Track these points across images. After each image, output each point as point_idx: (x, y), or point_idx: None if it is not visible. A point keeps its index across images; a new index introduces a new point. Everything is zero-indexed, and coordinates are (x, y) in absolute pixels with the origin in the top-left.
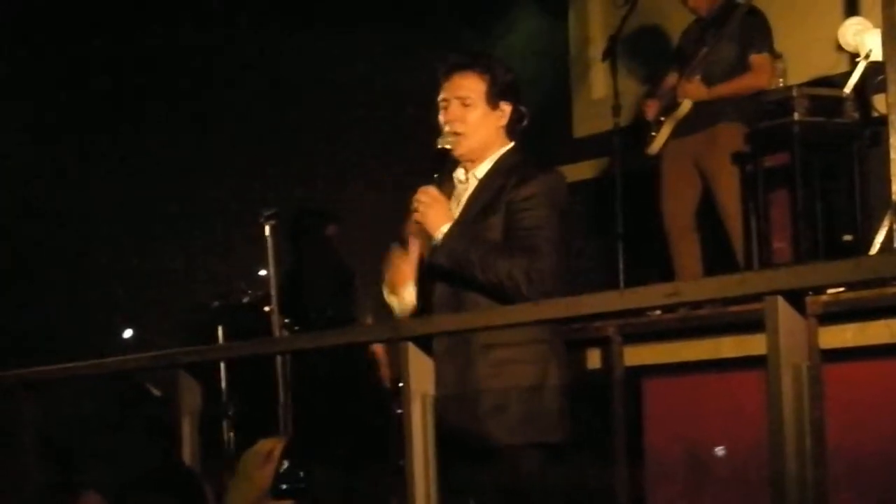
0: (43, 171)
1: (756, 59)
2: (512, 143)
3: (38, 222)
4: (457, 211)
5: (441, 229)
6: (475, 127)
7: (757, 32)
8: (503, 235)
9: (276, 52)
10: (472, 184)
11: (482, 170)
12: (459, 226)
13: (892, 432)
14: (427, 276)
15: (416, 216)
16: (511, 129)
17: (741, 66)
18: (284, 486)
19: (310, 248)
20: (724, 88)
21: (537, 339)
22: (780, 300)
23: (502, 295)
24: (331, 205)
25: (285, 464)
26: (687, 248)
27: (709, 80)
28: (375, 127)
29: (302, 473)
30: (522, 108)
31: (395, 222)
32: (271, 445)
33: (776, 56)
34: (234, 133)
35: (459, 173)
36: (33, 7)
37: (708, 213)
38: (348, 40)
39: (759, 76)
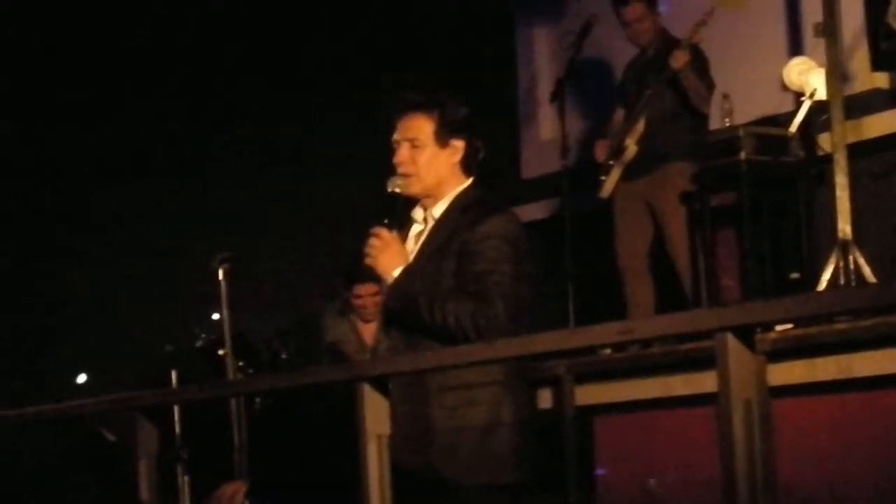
0: None
1: None
2: (470, 180)
3: None
4: (414, 251)
5: (393, 273)
6: (426, 168)
7: (696, 67)
8: (455, 279)
9: (230, 97)
10: (430, 224)
11: (439, 209)
12: (411, 269)
13: (840, 466)
14: (383, 321)
15: (368, 260)
16: (467, 165)
17: (683, 106)
18: None
19: None
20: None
21: (490, 380)
22: (730, 336)
23: (452, 341)
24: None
25: None
26: (640, 288)
27: (653, 121)
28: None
29: None
30: (478, 143)
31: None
32: (234, 489)
33: (712, 87)
34: (189, 177)
35: (418, 213)
36: None
37: (659, 253)
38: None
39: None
